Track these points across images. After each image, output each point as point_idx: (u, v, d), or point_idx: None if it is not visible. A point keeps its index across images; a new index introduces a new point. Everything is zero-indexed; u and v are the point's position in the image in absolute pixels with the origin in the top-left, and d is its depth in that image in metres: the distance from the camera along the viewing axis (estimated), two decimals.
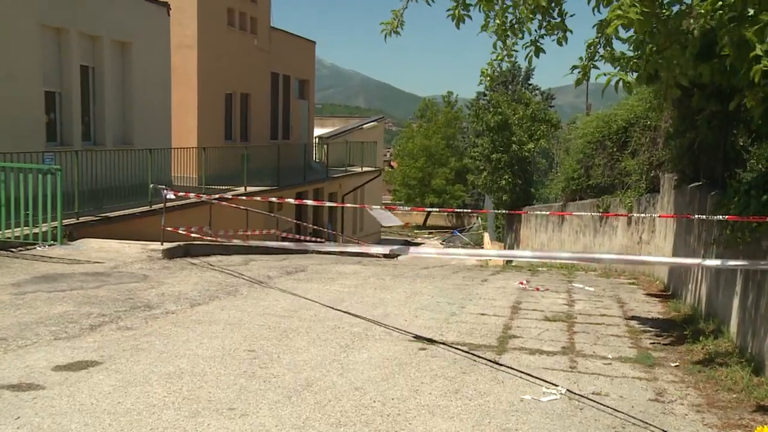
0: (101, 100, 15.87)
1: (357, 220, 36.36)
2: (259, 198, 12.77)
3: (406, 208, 10.76)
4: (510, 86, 42.94)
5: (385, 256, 28.78)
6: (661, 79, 5.63)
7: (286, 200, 10.71)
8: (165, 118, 18.23)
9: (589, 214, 13.74)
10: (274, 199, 11.72)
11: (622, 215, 11.95)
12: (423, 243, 46.08)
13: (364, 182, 33.13)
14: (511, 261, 16.96)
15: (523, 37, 6.14)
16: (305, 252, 15.58)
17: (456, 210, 9.85)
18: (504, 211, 18.40)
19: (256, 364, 5.49)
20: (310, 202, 12.20)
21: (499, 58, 6.28)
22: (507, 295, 8.99)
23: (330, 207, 30.68)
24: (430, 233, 49.22)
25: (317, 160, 30.45)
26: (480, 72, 6.43)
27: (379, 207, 10.45)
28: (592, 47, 5.75)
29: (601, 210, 13.34)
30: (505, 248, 27.20)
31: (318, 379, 5.18)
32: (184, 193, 11.53)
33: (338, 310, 7.58)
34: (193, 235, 12.26)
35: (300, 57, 29.32)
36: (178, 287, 8.41)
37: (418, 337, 6.49)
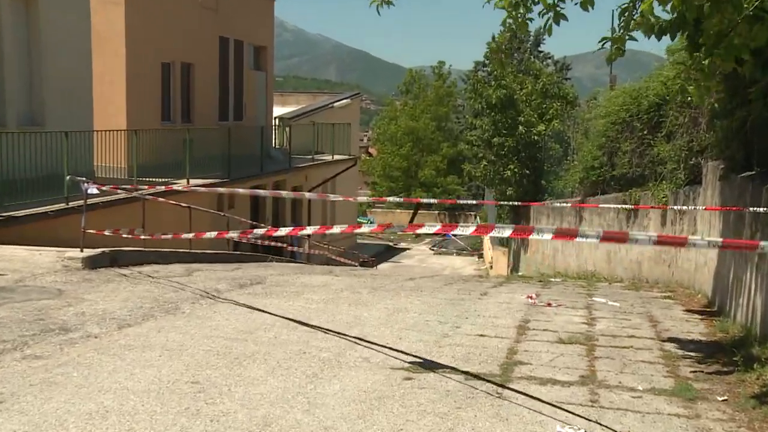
0: None
1: (327, 219, 36.34)
2: (203, 188, 12.71)
3: (397, 199, 10.72)
4: (516, 54, 42.90)
5: (362, 264, 28.82)
6: (706, 48, 5.63)
7: (239, 190, 10.67)
8: (84, 94, 17.91)
9: (621, 207, 13.79)
10: (221, 190, 11.65)
11: (658, 208, 12.03)
12: (409, 248, 46.34)
13: (336, 173, 33.15)
14: (516, 270, 17.04)
15: (537, 2, 6.07)
16: (263, 260, 15.56)
17: (454, 202, 9.85)
18: (510, 203, 18.51)
19: (202, 399, 5.44)
20: (264, 192, 12.12)
21: (509, 31, 6.22)
22: (512, 311, 9.00)
23: (294, 203, 30.65)
24: (417, 236, 49.31)
25: (277, 147, 30.43)
26: (487, 48, 6.41)
27: (365, 198, 10.53)
28: (626, 13, 5.73)
29: (630, 205, 13.42)
30: (509, 254, 27.41)
31: (279, 417, 5.15)
32: (110, 187, 11.42)
33: (304, 330, 7.54)
34: (125, 236, 12.17)
35: (255, 18, 29.22)
36: (103, 304, 8.33)
37: (402, 364, 6.47)
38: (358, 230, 7.58)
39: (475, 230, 6.53)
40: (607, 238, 5.90)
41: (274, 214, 28.34)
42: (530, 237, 6.21)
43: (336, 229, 7.77)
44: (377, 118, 70.24)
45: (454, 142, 60.28)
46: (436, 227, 7.02)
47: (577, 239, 5.74)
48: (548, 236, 5.96)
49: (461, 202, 9.54)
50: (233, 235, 9.58)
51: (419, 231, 6.87)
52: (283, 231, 8.45)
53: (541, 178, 24.35)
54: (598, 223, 15.93)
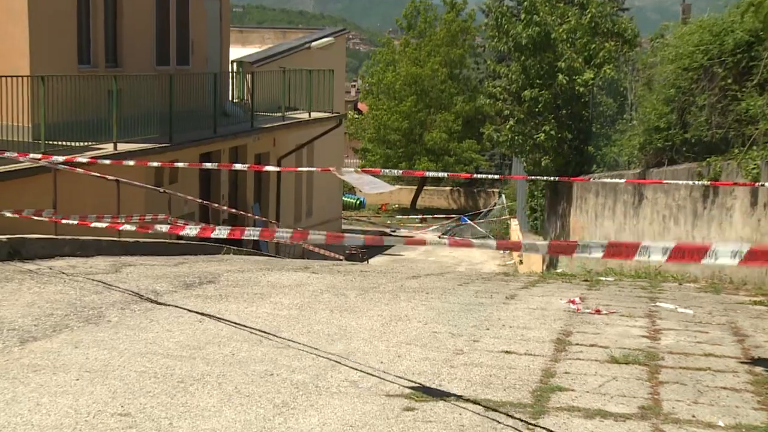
0: None
1: (303, 200, 36.41)
2: (132, 162, 12.71)
3: (394, 172, 10.67)
4: None
5: (349, 257, 28.82)
6: None
7: (179, 164, 10.65)
8: None
9: (695, 182, 13.76)
10: (156, 164, 11.63)
11: (746, 185, 12.02)
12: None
13: (315, 137, 33.14)
14: (554, 266, 17.01)
15: None
16: (216, 252, 15.56)
17: (470, 176, 9.83)
18: (544, 178, 18.50)
19: None
20: (210, 165, 11.90)
21: None
22: (548, 321, 9.01)
23: (259, 176, 30.63)
24: (422, 220, 49.38)
25: (236, 101, 30.36)
26: None
27: (352, 170, 10.45)
28: None
29: (707, 180, 13.42)
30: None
31: None
32: (8, 154, 11.36)
33: (271, 345, 7.54)
34: (34, 218, 12.13)
35: None
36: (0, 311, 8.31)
37: (401, 390, 6.47)
38: (342, 240, 7.55)
39: (500, 244, 6.56)
40: (678, 254, 5.90)
41: (232, 190, 28.35)
42: (575, 255, 6.21)
43: (319, 236, 7.72)
44: (369, 64, 70.09)
45: (471, 96, 60.25)
46: (444, 239, 7.04)
47: (637, 257, 5.75)
48: (598, 254, 5.97)
49: (480, 175, 9.44)
50: (191, 232, 9.45)
51: (429, 238, 6.87)
52: (253, 232, 8.30)
53: (588, 143, 24.28)
54: (664, 204, 15.94)
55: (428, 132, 60.13)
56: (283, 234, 8.61)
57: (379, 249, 38.37)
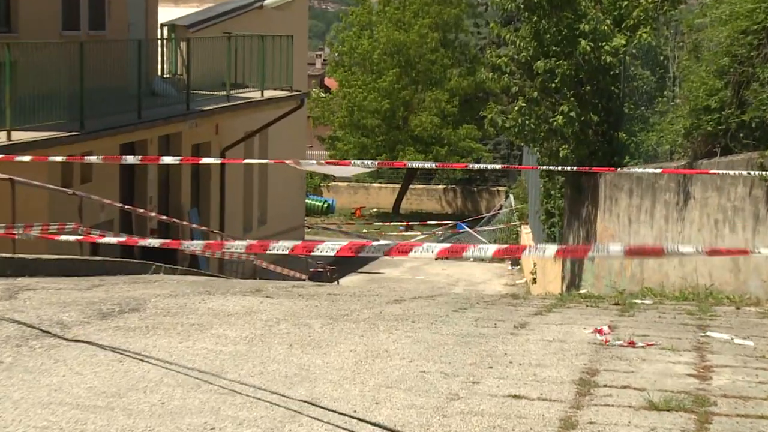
0: None
1: (254, 204, 36.34)
2: (27, 158, 12.71)
3: (366, 164, 10.63)
4: None
5: (314, 276, 28.81)
6: None
7: (93, 158, 10.64)
8: None
9: (757, 173, 13.77)
10: (61, 158, 11.62)
11: None
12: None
13: (269, 122, 33.05)
14: (577, 285, 16.99)
15: None
16: (142, 271, 15.49)
17: (464, 167, 9.83)
18: (564, 168, 18.49)
19: None
20: (132, 159, 11.76)
21: None
22: (568, 356, 9.02)
23: (197, 173, 30.54)
24: (407, 228, 49.32)
25: (167, 77, 30.29)
26: None
27: (314, 162, 10.40)
28: None
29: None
30: (565, 258, 27.45)
31: None
32: None
33: (213, 391, 7.53)
34: None
35: None
36: None
37: None
38: (311, 251, 7.56)
39: (496, 252, 6.62)
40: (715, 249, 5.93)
41: (162, 191, 28.27)
42: (589, 254, 6.25)
43: (281, 247, 7.72)
44: (339, 27, 69.99)
45: (469, 69, 60.40)
46: (435, 247, 7.03)
47: (665, 258, 5.75)
48: (617, 249, 5.98)
49: (478, 166, 9.37)
50: (109, 241, 9.34)
51: (415, 252, 6.89)
52: (197, 245, 8.29)
53: (619, 128, 24.31)
54: (717, 205, 15.97)
55: (415, 115, 60.28)
56: (236, 246, 8.60)
57: (353, 264, 38.40)
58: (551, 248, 6.19)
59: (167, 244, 7.94)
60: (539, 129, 25.92)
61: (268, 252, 7.73)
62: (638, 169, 18.27)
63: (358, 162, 13.76)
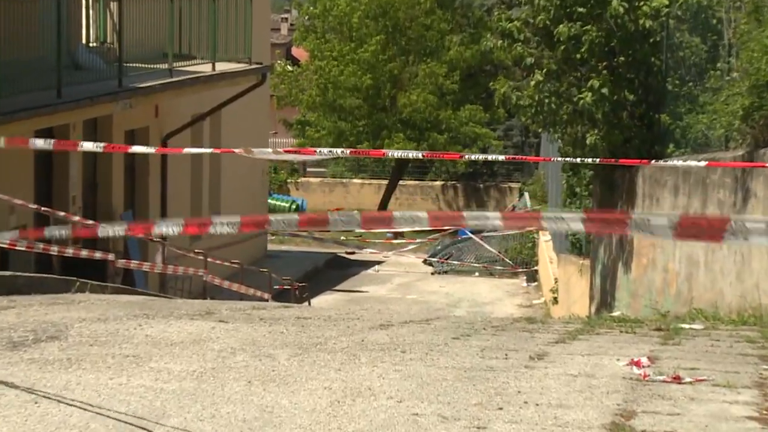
0: None
1: (204, 205, 36.33)
2: None
3: (337, 151, 10.54)
4: None
5: (278, 296, 28.84)
6: None
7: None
8: None
9: None
10: None
11: None
12: (380, 261, 46.00)
13: (222, 103, 33.00)
14: (609, 305, 16.92)
15: None
16: (64, 289, 15.44)
17: (458, 157, 9.82)
18: (591, 160, 18.48)
19: None
20: (40, 143, 11.67)
21: None
22: (597, 394, 9.01)
23: (131, 165, 30.50)
24: (396, 235, 49.32)
25: (93, 45, 30.24)
26: None
27: (269, 150, 10.41)
28: None
29: None
30: (593, 271, 27.48)
31: None
32: None
33: None
34: None
35: None
36: None
37: None
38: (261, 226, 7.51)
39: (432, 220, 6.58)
40: None
41: (88, 190, 28.26)
42: (626, 231, 6.20)
43: (225, 225, 7.64)
44: None
45: (473, 36, 60.29)
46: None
47: (726, 241, 5.70)
48: (662, 223, 5.92)
49: (481, 157, 9.23)
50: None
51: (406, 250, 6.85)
52: (109, 230, 8.28)
53: (661, 109, 24.36)
54: None
55: (405, 93, 60.18)
56: (170, 227, 8.47)
57: (326, 283, 38.47)
58: (575, 219, 6.14)
59: (78, 231, 7.85)
60: (561, 110, 25.93)
61: (215, 226, 7.57)
62: (679, 162, 18.24)
63: (326, 150, 13.71)
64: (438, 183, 64.38)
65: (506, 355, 10.52)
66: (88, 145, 15.33)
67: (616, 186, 25.42)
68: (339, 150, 19.09)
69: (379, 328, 12.20)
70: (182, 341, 10.65)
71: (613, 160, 20.15)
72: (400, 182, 63.75)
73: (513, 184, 61.14)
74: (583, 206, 32.19)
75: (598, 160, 18.63)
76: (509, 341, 11.42)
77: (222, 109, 33.09)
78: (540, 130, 35.06)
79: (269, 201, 49.71)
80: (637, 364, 10.04)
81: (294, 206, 59.53)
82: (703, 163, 17.56)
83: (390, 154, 14.73)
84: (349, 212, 6.39)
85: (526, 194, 51.94)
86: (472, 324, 13.18)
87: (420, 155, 14.32)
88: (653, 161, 20.27)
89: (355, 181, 64.38)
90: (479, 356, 10.42)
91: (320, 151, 10.53)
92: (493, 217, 6.49)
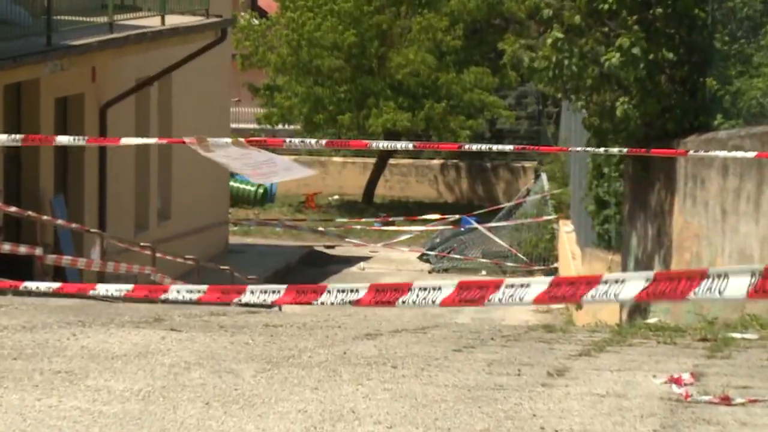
0: None
1: (151, 191, 36.36)
2: None
3: (310, 142, 10.54)
4: None
5: (245, 302, 28.89)
6: None
7: None
8: None
9: None
10: None
11: None
12: (367, 256, 45.93)
13: (173, 64, 33.02)
14: (643, 311, 16.82)
15: None
16: None
17: (456, 147, 9.82)
18: (614, 151, 18.54)
19: None
20: None
21: None
22: (628, 417, 9.02)
23: (64, 146, 30.54)
24: (384, 222, 49.36)
25: None
26: None
27: (228, 141, 10.28)
28: None
29: None
30: (625, 264, 27.47)
31: None
32: None
33: None
34: None
35: None
36: None
37: None
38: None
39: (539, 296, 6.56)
40: None
41: (11, 170, 28.30)
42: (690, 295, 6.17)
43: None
44: None
45: None
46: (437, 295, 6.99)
47: None
48: (741, 286, 5.95)
49: (483, 147, 9.18)
50: None
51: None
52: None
53: (707, 71, 24.40)
54: None
55: (395, 52, 60.11)
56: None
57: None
58: (633, 283, 6.11)
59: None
60: (585, 73, 25.90)
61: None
62: (723, 133, 18.20)
63: (297, 140, 13.65)
64: (437, 161, 64.07)
65: (519, 370, 10.52)
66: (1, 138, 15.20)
67: (652, 166, 25.35)
68: (313, 141, 19.09)
69: (365, 338, 12.21)
70: (125, 354, 10.64)
71: (644, 150, 20.14)
72: (391, 160, 63.55)
73: (527, 163, 60.95)
74: (612, 190, 32.11)
75: (626, 150, 18.56)
76: (522, 354, 11.43)
77: (173, 72, 33.03)
78: (560, 97, 34.86)
79: (232, 184, 49.69)
80: (678, 381, 10.04)
81: (261, 190, 59.41)
82: (751, 154, 17.47)
83: (374, 145, 14.66)
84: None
85: (543, 175, 51.90)
86: (478, 333, 13.20)
87: (411, 146, 14.30)
88: (696, 135, 20.28)
89: (336, 159, 64.04)
90: (486, 372, 10.43)
91: (290, 142, 10.50)
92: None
